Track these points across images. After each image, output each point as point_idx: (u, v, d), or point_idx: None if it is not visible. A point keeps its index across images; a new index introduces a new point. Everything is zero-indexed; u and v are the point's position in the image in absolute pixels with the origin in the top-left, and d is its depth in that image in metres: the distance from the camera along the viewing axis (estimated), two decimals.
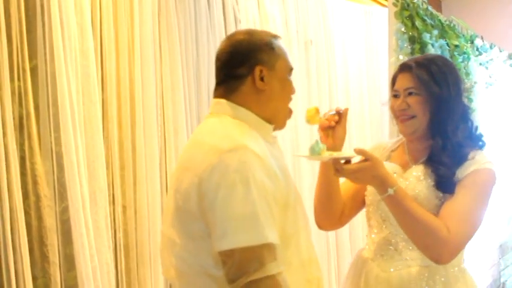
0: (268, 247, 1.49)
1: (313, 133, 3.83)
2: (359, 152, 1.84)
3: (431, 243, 1.87)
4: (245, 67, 1.68)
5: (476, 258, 4.67)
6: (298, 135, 3.70)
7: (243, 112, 1.68)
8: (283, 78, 1.74)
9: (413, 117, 2.03)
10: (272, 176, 1.56)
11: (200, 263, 1.58)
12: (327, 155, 1.86)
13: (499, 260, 5.36)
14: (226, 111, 1.68)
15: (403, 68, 2.09)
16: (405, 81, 2.05)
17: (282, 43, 1.76)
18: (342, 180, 2.03)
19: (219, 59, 1.74)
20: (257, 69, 1.67)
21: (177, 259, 1.63)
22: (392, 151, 2.19)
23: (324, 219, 2.15)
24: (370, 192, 2.10)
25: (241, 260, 1.48)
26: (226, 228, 1.49)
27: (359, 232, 4.01)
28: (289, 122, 3.52)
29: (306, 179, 3.67)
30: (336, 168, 1.83)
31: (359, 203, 2.19)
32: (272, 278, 1.49)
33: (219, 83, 1.73)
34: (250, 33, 1.75)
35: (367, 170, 1.83)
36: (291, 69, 1.78)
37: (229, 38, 1.77)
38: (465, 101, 2.11)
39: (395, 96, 2.09)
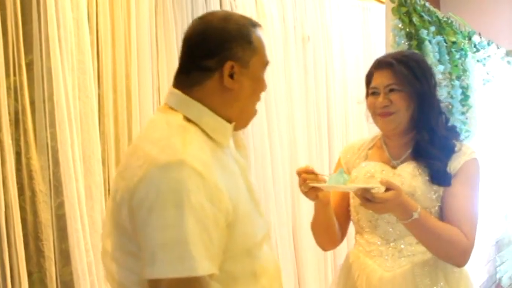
0: (197, 280, 1.35)
1: (313, 140, 3.83)
2: (385, 183, 1.82)
3: (456, 254, 1.97)
4: (215, 60, 1.47)
5: (472, 255, 4.68)
6: (297, 141, 3.69)
7: (197, 109, 1.49)
8: (256, 77, 1.53)
9: (394, 112, 2.03)
10: (214, 194, 1.38)
11: (142, 279, 1.41)
12: (352, 186, 1.85)
13: (495, 256, 5.38)
14: (179, 107, 1.49)
15: (381, 64, 2.08)
16: (385, 78, 2.04)
17: (262, 33, 1.55)
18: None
19: (186, 42, 1.52)
20: (228, 65, 1.47)
21: (119, 272, 1.49)
22: (369, 149, 2.19)
23: (327, 245, 2.20)
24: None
25: None
26: (154, 255, 1.34)
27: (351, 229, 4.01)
28: (286, 128, 3.57)
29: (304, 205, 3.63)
30: (366, 198, 1.80)
31: (348, 214, 2.19)
32: None
33: (181, 71, 1.52)
34: (227, 19, 1.51)
35: (394, 199, 1.82)
36: (267, 63, 1.57)
37: (203, 19, 1.54)
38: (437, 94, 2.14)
39: (373, 93, 2.07)
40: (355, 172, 2.12)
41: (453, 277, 2.07)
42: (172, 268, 1.33)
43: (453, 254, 1.97)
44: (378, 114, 2.06)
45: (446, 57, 3.95)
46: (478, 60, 4.63)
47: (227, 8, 3.20)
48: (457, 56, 4.14)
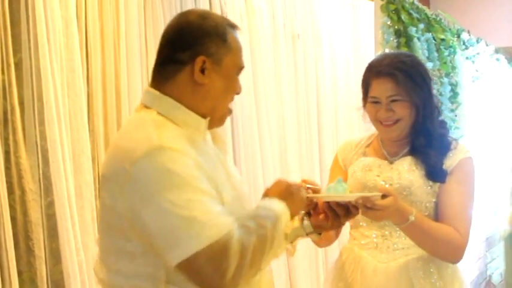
0: (217, 243, 1.36)
1: (303, 138, 3.83)
2: (383, 190, 1.85)
3: (451, 252, 2.02)
4: (187, 53, 1.49)
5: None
6: (287, 139, 3.69)
7: (169, 104, 1.50)
8: (228, 76, 1.54)
9: (398, 120, 2.05)
10: (200, 167, 1.42)
11: (136, 280, 1.45)
12: (352, 195, 1.84)
13: (486, 253, 5.41)
14: (154, 104, 1.51)
15: (380, 74, 2.06)
16: (386, 89, 2.04)
17: (239, 35, 1.58)
18: None
19: (163, 36, 1.56)
20: (199, 60, 1.49)
21: (108, 275, 1.50)
22: (366, 147, 2.21)
23: (322, 243, 2.17)
24: None
25: (202, 264, 1.36)
26: (173, 239, 1.35)
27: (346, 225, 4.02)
28: (276, 126, 3.57)
29: None
30: (367, 206, 1.80)
31: None
32: (236, 244, 1.38)
33: (156, 66, 1.57)
34: (204, 16, 1.54)
35: (392, 205, 1.84)
36: (242, 67, 1.59)
37: (181, 16, 1.58)
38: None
39: (374, 102, 2.07)
40: (353, 167, 2.14)
41: (446, 273, 2.10)
42: (191, 243, 1.34)
43: (448, 252, 2.01)
44: (380, 122, 2.08)
45: (435, 54, 3.97)
46: (467, 58, 4.65)
47: (217, 5, 3.20)
48: (446, 53, 4.16)
